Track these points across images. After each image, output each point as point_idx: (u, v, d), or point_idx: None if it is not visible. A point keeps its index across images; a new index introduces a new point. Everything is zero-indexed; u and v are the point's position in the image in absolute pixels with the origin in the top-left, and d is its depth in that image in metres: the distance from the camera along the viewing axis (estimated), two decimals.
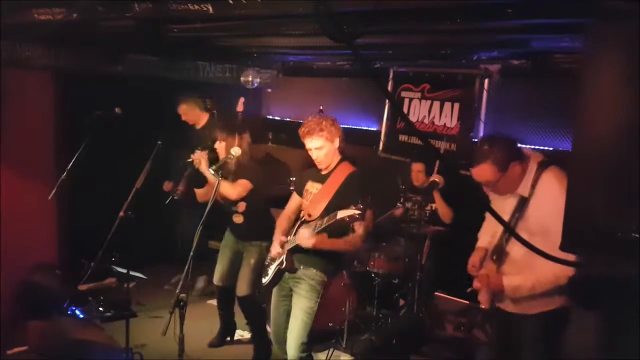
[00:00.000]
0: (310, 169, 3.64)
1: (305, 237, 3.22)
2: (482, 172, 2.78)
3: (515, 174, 2.78)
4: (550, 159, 2.86)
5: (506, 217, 2.82)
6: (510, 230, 2.59)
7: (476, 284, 2.96)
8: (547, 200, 2.69)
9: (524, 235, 2.68)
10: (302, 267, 3.41)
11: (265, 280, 3.57)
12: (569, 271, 2.65)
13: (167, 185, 5.44)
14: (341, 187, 3.34)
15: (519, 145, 2.94)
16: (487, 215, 3.27)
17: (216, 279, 4.46)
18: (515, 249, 2.86)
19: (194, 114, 5.50)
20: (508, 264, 2.88)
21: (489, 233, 3.16)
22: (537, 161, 2.83)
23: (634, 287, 2.15)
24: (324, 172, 3.47)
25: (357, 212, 2.99)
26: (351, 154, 3.64)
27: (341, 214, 3.02)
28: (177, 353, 3.17)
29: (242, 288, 4.25)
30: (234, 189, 4.13)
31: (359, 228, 3.27)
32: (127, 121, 4.78)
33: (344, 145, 3.47)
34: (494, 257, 2.92)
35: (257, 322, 4.36)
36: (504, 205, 2.84)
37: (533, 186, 2.77)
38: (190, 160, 4.45)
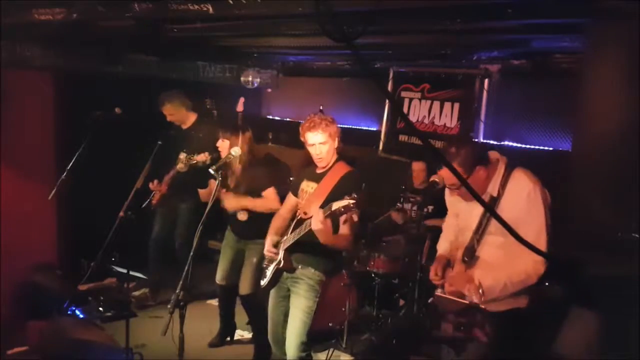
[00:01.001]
0: (305, 169, 3.63)
1: (318, 219, 3.08)
2: (449, 173, 2.80)
3: (480, 178, 2.80)
4: (516, 161, 2.89)
5: (475, 220, 2.84)
6: (498, 218, 2.55)
7: (448, 287, 2.95)
8: (520, 197, 2.72)
9: (495, 236, 2.75)
10: (300, 266, 3.41)
11: (263, 282, 3.56)
12: (540, 269, 2.66)
13: (152, 186, 5.21)
14: (337, 186, 3.32)
15: (491, 149, 2.98)
16: (445, 224, 3.28)
17: (218, 278, 4.46)
18: (485, 250, 2.86)
19: (180, 114, 5.29)
20: (478, 266, 2.88)
21: (447, 240, 3.18)
22: (504, 162, 2.85)
23: (634, 287, 2.15)
24: (319, 171, 3.46)
25: (352, 201, 2.95)
26: (351, 154, 3.64)
27: (336, 205, 2.99)
28: (177, 353, 3.17)
29: (245, 286, 4.24)
30: (270, 201, 4.08)
31: (350, 221, 3.23)
32: (127, 121, 4.78)
33: (341, 146, 3.46)
34: (465, 259, 2.92)
35: (259, 321, 4.35)
36: (472, 209, 2.86)
37: (503, 186, 2.79)
38: (194, 162, 4.41)
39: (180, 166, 4.95)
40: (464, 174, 2.78)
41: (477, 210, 2.84)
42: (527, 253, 2.10)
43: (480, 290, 2.73)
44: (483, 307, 2.84)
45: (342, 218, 3.18)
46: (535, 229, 2.65)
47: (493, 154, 2.93)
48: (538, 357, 2.99)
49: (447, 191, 3.12)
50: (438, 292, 3.05)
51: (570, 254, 2.27)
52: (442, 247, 3.20)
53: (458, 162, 2.77)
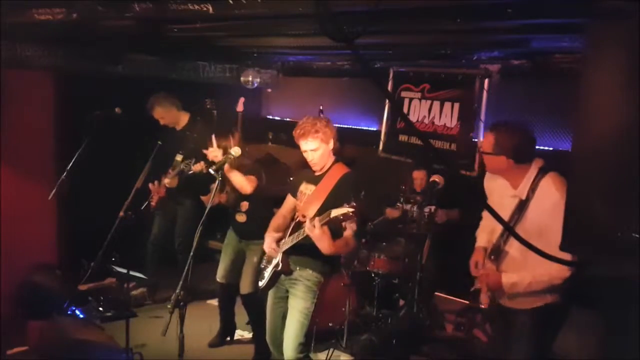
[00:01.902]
0: (304, 170, 3.63)
1: (313, 226, 3.08)
2: (486, 138, 2.95)
3: (501, 165, 2.90)
4: (550, 164, 2.91)
5: (505, 218, 2.86)
6: (510, 230, 2.62)
7: (477, 284, 3.07)
8: (546, 205, 2.76)
9: (522, 236, 2.74)
10: (297, 268, 3.40)
11: (261, 283, 3.55)
12: (564, 273, 2.72)
13: (152, 187, 5.23)
14: (335, 188, 3.32)
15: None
16: (485, 214, 3.32)
17: (219, 276, 4.49)
18: (513, 248, 2.93)
19: (171, 116, 5.23)
20: (506, 262, 2.96)
21: (486, 231, 3.22)
22: (538, 166, 2.89)
23: (634, 287, 2.15)
24: (318, 173, 3.45)
25: (351, 210, 2.95)
26: (351, 154, 3.64)
27: (335, 212, 2.99)
28: (177, 353, 3.17)
29: (245, 286, 4.27)
30: (249, 182, 4.10)
31: (350, 229, 3.24)
32: (127, 121, 4.77)
33: (339, 146, 3.45)
34: (492, 257, 3.00)
35: (259, 321, 4.36)
36: (503, 207, 2.91)
37: (533, 190, 2.84)
38: (192, 172, 4.41)
39: (167, 181, 4.96)
40: (491, 148, 2.90)
41: (507, 209, 2.90)
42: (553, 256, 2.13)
43: (488, 294, 2.93)
44: (509, 305, 2.99)
45: (342, 225, 3.18)
46: (558, 239, 2.68)
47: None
48: (555, 353, 3.07)
49: (487, 176, 3.17)
50: (476, 287, 3.15)
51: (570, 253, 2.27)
52: (482, 238, 3.25)
53: (494, 136, 2.88)
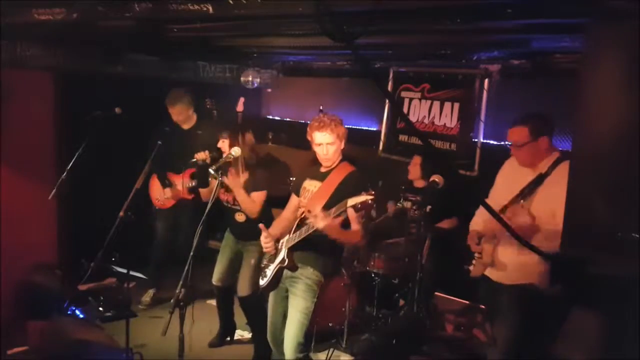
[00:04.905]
0: (307, 168, 3.62)
1: (321, 217, 3.07)
2: (518, 132, 3.20)
3: (540, 149, 3.16)
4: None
5: (519, 187, 3.18)
6: (505, 226, 2.62)
7: (474, 247, 3.32)
8: (563, 183, 2.86)
9: (533, 209, 3.08)
10: (299, 265, 3.40)
11: (263, 282, 3.54)
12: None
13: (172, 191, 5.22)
14: (341, 185, 3.33)
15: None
16: (480, 207, 3.43)
17: (215, 279, 4.45)
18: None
19: (186, 115, 5.27)
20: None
21: (482, 217, 3.40)
22: (558, 153, 3.20)
23: (634, 287, 2.15)
24: (323, 170, 3.46)
25: (370, 197, 2.90)
26: (351, 154, 3.64)
27: (352, 201, 2.95)
28: (177, 353, 3.17)
29: (243, 288, 4.24)
30: (253, 205, 4.07)
31: (357, 220, 3.20)
32: (127, 121, 4.77)
33: (346, 147, 3.47)
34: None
35: (258, 322, 4.35)
36: (520, 178, 3.20)
37: (552, 167, 3.10)
38: (194, 160, 4.39)
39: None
40: (528, 138, 3.17)
41: (522, 181, 3.18)
42: (557, 234, 2.18)
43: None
44: (496, 279, 3.26)
45: (356, 214, 3.12)
46: None
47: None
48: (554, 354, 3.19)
49: (505, 164, 3.46)
50: (474, 250, 3.39)
51: (570, 254, 2.28)
52: (476, 223, 3.44)
53: (529, 127, 3.17)
